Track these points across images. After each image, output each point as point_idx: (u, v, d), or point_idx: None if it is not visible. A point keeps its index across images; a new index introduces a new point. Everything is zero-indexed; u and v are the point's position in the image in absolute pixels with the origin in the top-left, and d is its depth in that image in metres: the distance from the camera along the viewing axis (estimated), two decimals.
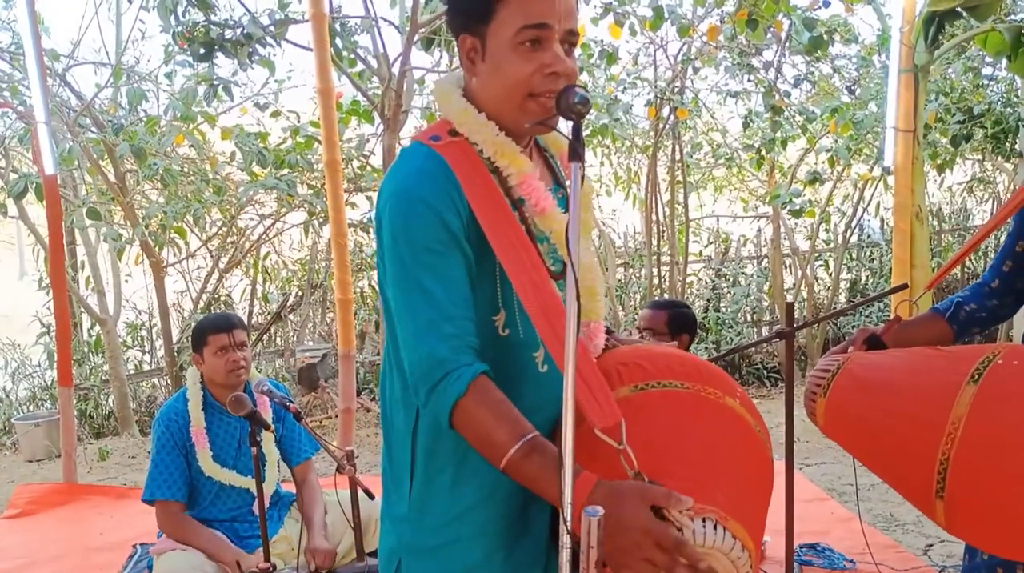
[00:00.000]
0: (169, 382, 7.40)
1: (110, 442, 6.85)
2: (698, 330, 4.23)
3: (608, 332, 1.87)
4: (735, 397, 1.61)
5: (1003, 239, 2.31)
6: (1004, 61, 5.74)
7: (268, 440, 3.35)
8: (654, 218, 8.06)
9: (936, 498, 1.80)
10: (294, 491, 3.48)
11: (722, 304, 8.48)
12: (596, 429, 1.35)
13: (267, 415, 3.33)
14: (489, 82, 1.56)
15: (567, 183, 1.71)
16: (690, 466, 1.44)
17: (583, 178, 1.44)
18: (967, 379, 1.80)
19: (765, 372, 7.85)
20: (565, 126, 1.47)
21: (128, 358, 7.88)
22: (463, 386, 1.44)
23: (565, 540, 1.31)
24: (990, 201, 9.16)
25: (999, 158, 7.50)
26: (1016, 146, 6.17)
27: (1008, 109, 6.25)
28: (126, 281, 7.81)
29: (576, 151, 1.38)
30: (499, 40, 1.52)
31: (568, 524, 1.30)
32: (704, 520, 1.34)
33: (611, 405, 1.39)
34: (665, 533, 1.28)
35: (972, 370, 1.82)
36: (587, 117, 1.47)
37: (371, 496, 3.16)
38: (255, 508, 3.27)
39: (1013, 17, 6.25)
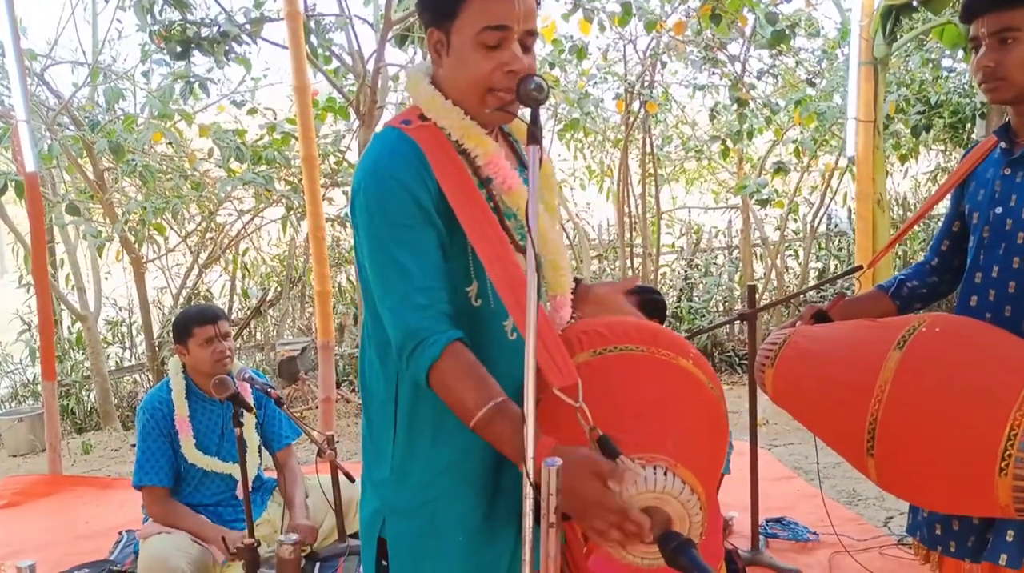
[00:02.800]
0: (151, 377, 7.46)
1: (92, 437, 6.90)
2: (668, 317, 4.35)
3: (578, 281, 1.97)
4: (688, 358, 1.72)
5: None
6: (960, 53, 5.91)
7: (249, 425, 3.41)
8: (627, 210, 8.16)
9: (867, 456, 1.92)
10: (276, 477, 3.55)
11: (694, 294, 8.59)
12: (554, 388, 1.47)
13: (249, 401, 3.41)
14: (453, 74, 1.67)
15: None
16: (643, 420, 1.56)
17: (541, 160, 1.55)
18: (893, 346, 1.92)
19: (737, 359, 7.97)
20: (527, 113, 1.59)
21: (109, 354, 7.91)
22: (437, 351, 1.53)
23: (527, 490, 1.42)
24: None
25: (959, 148, 7.67)
26: (974, 135, 6.33)
27: (965, 99, 6.41)
28: (106, 278, 7.83)
29: (534, 135, 1.50)
30: (462, 37, 1.63)
31: (531, 476, 1.41)
32: (655, 467, 1.46)
33: (568, 367, 1.50)
34: (611, 502, 1.39)
35: (899, 337, 1.93)
36: (560, 112, 1.59)
37: (351, 479, 3.27)
38: (238, 492, 3.37)
39: None
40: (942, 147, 8.61)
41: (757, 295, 3.83)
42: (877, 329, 2.06)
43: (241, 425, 2.90)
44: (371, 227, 1.61)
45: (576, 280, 1.97)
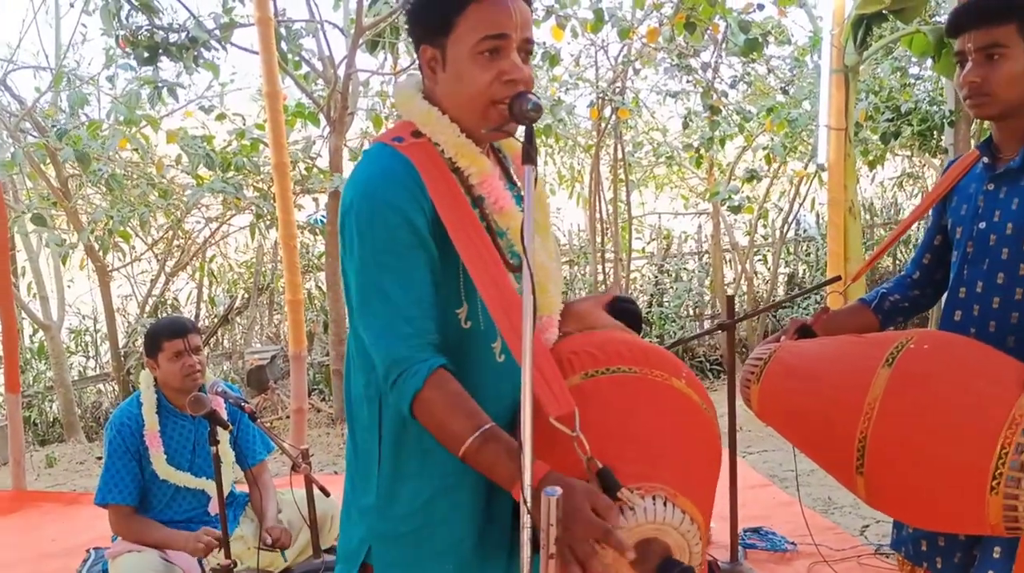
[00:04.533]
0: (116, 387, 7.33)
1: (56, 449, 6.76)
2: (643, 325, 4.32)
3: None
4: (681, 377, 1.70)
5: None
6: (929, 61, 5.97)
7: (224, 440, 3.36)
8: (598, 216, 8.18)
9: (856, 474, 1.91)
10: (248, 491, 3.50)
11: (665, 299, 8.61)
12: (551, 418, 1.43)
13: (223, 416, 3.35)
14: (451, 90, 1.63)
15: (519, 182, 1.80)
16: (639, 447, 1.52)
17: (536, 179, 1.53)
18: (882, 363, 1.91)
19: (708, 364, 8.01)
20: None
21: (72, 364, 7.77)
22: (420, 381, 1.50)
23: (525, 520, 1.39)
24: (919, 195, 9.47)
25: (926, 154, 7.77)
26: (942, 142, 6.41)
27: (934, 107, 6.48)
28: (68, 286, 7.70)
29: (529, 154, 1.47)
30: (459, 51, 1.60)
31: (528, 504, 1.38)
32: (654, 498, 1.43)
33: (565, 395, 1.47)
34: (602, 531, 1.37)
35: (887, 354, 1.92)
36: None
37: (326, 493, 3.23)
38: (211, 508, 3.31)
39: (937, 19, 6.49)
40: (908, 153, 8.71)
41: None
42: (864, 345, 2.05)
43: (218, 443, 2.85)
44: (361, 251, 1.57)
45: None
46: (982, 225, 2.09)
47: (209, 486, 3.25)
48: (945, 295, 2.26)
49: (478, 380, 1.60)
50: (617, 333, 1.89)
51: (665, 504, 1.44)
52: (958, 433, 1.76)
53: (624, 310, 3.50)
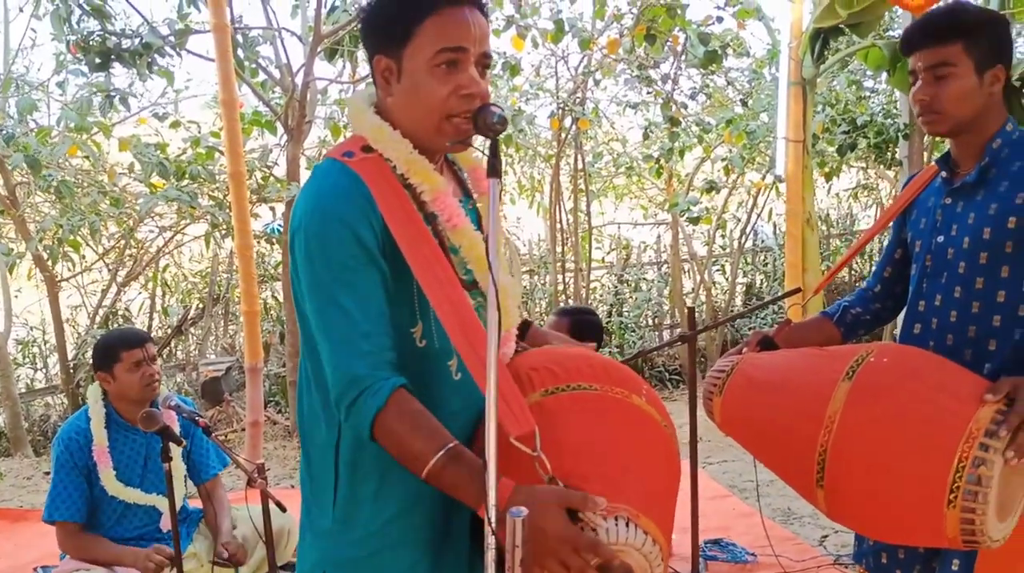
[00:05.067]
0: (65, 400, 7.15)
1: (3, 464, 6.57)
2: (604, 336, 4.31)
3: (526, 325, 1.94)
4: (641, 394, 1.68)
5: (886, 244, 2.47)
6: (884, 75, 6.06)
7: (176, 455, 3.29)
8: (558, 226, 8.18)
9: (817, 486, 1.92)
10: (201, 507, 3.44)
11: (624, 309, 8.63)
12: (512, 438, 1.41)
13: (175, 430, 3.29)
14: (406, 103, 1.60)
15: (476, 196, 1.78)
16: (601, 466, 1.51)
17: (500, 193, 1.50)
18: (842, 376, 1.92)
19: (667, 374, 8.04)
20: (479, 141, 1.53)
21: (19, 376, 7.58)
22: (381, 400, 1.47)
23: (490, 541, 1.36)
24: (874, 206, 9.62)
25: (881, 166, 7.89)
26: (897, 155, 6.51)
27: (889, 120, 6.58)
28: (16, 297, 7.52)
29: (495, 167, 1.44)
30: (416, 63, 1.57)
31: (493, 525, 1.35)
32: (616, 518, 1.42)
33: (525, 414, 1.45)
34: (580, 537, 1.36)
35: (847, 368, 1.94)
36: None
37: (283, 509, 3.14)
38: (163, 525, 3.25)
39: (891, 33, 6.59)
40: (863, 165, 8.84)
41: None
42: (826, 358, 2.06)
43: (170, 460, 2.78)
44: (312, 269, 1.53)
45: (526, 323, 1.94)
46: (940, 239, 2.12)
47: (160, 502, 3.20)
48: (905, 308, 2.27)
49: (434, 399, 1.56)
50: (577, 349, 1.87)
51: (628, 525, 1.42)
52: (916, 446, 1.77)
53: (585, 322, 3.51)
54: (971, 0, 3.01)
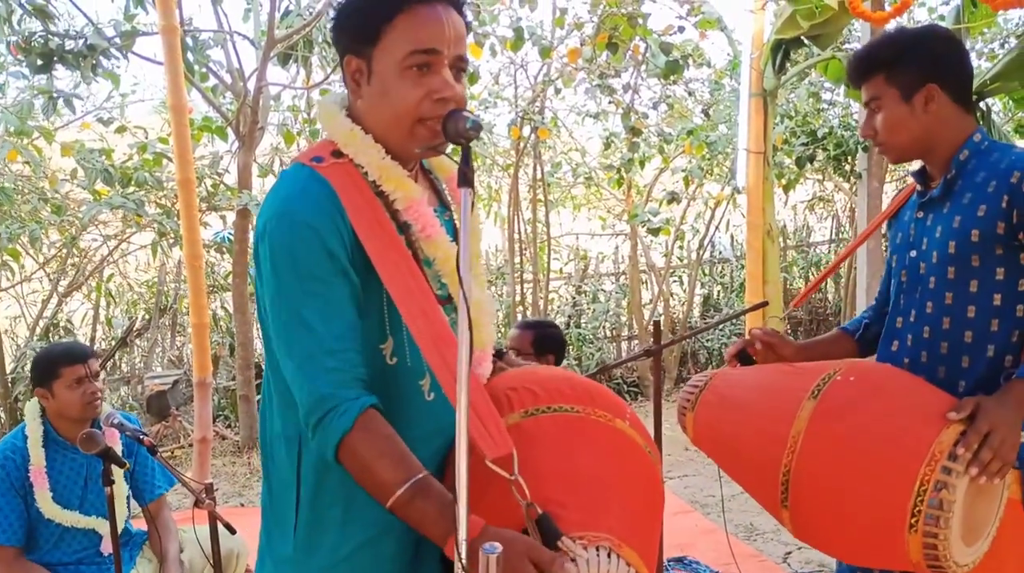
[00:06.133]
0: (3, 415, 6.88)
1: None
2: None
3: (499, 355, 1.86)
4: (624, 418, 1.64)
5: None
6: (842, 87, 6.10)
7: (119, 475, 3.14)
8: (516, 236, 8.12)
9: (782, 507, 1.91)
10: (145, 529, 3.31)
11: (583, 320, 8.61)
12: (487, 460, 1.34)
13: (118, 450, 3.12)
14: (376, 106, 1.53)
15: (453, 206, 1.69)
16: (582, 493, 1.45)
17: (472, 204, 1.42)
18: (808, 395, 1.91)
19: (625, 386, 8.01)
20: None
21: None
22: (349, 422, 1.39)
23: None
24: (829, 218, 9.69)
25: (839, 178, 7.96)
26: (856, 167, 6.55)
27: (848, 132, 6.64)
28: None
29: (466, 176, 1.36)
30: (386, 64, 1.49)
31: (463, 561, 1.28)
32: (598, 548, 1.36)
33: (503, 435, 1.38)
34: None
35: (814, 386, 1.93)
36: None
37: (232, 531, 3.01)
38: (103, 548, 3.13)
39: (850, 46, 6.64)
40: (820, 177, 8.91)
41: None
42: (794, 376, 2.06)
43: (112, 483, 2.66)
44: (277, 278, 1.45)
45: (499, 352, 1.88)
46: (913, 253, 2.11)
47: (101, 525, 3.07)
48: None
49: (405, 420, 1.49)
50: (557, 370, 1.86)
51: (609, 555, 1.37)
52: (877, 469, 1.76)
53: (548, 335, 3.41)
54: (919, 18, 2.99)
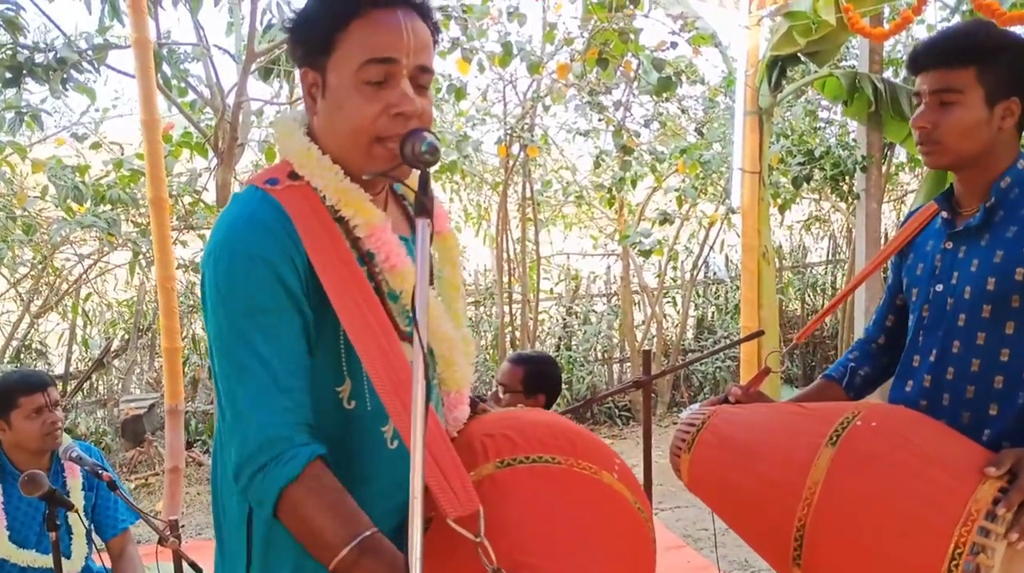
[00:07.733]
0: None
1: None
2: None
3: (480, 400, 1.69)
4: (612, 470, 1.50)
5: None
6: (841, 106, 6.00)
7: (79, 507, 2.99)
8: (505, 255, 8.00)
9: (794, 565, 1.74)
10: (109, 567, 3.14)
11: (573, 342, 8.47)
12: (449, 520, 1.22)
13: (76, 484, 3.04)
14: (331, 122, 1.39)
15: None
16: (560, 556, 1.33)
17: (448, 234, 1.27)
18: (825, 441, 1.74)
19: (617, 411, 7.88)
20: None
21: None
22: (295, 471, 1.27)
23: None
24: (826, 238, 9.58)
25: (836, 198, 7.85)
26: (854, 187, 6.44)
27: (845, 152, 6.53)
28: None
29: (424, 206, 1.20)
30: (340, 76, 1.36)
31: None
32: None
33: (467, 491, 1.26)
34: None
35: (831, 432, 1.75)
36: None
37: (198, 570, 2.87)
38: None
39: (847, 63, 6.55)
40: (816, 196, 8.81)
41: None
42: (809, 419, 1.87)
43: (57, 528, 2.50)
44: (222, 309, 1.32)
45: (479, 398, 1.73)
46: (939, 287, 1.91)
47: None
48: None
49: (365, 471, 1.40)
50: (541, 413, 1.69)
51: None
52: (907, 528, 1.60)
53: (541, 373, 3.14)
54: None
